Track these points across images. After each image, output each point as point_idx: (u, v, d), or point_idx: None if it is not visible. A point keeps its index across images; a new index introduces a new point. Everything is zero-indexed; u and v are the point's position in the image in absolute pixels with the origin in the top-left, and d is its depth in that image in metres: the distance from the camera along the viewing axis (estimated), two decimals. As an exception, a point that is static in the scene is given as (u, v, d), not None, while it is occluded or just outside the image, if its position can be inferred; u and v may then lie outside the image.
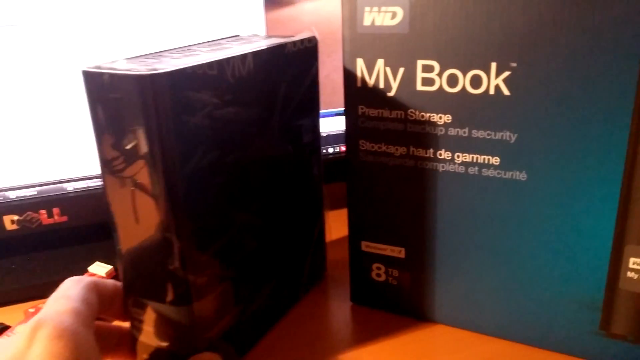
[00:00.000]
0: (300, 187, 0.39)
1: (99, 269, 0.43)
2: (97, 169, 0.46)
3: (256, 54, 0.32)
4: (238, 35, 0.39)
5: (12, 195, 0.45)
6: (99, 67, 0.27)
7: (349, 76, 0.34)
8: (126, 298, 0.31)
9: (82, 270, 0.44)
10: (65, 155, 0.45)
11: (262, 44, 0.34)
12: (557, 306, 0.34)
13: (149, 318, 0.31)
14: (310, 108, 0.39)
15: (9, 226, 0.45)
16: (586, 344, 0.33)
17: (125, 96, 0.26)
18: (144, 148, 0.27)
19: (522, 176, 0.32)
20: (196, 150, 0.29)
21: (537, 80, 0.29)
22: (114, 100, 0.27)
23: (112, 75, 0.26)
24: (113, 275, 0.43)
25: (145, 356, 0.32)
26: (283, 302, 0.40)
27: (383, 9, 0.32)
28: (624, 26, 0.27)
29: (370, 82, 0.34)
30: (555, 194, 0.31)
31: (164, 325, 0.31)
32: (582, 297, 0.33)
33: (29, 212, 0.45)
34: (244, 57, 0.31)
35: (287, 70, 0.35)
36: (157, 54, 0.31)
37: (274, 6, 0.46)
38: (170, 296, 0.30)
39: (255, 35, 0.39)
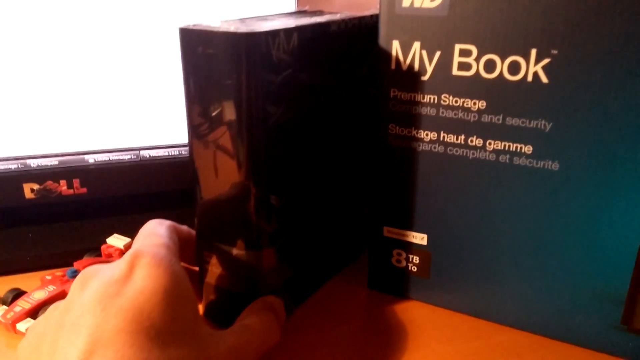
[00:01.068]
0: (356, 161, 0.42)
1: (117, 241, 0.43)
2: (119, 142, 0.46)
3: (332, 25, 0.35)
4: (305, 11, 0.42)
5: (33, 163, 0.45)
6: (197, 26, 0.30)
7: (384, 58, 0.34)
8: (199, 243, 0.34)
9: (100, 242, 0.44)
10: (89, 126, 0.45)
11: (334, 17, 0.36)
12: (579, 298, 0.33)
13: (219, 261, 0.34)
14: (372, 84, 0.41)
15: (28, 194, 0.45)
16: (606, 338, 0.33)
17: (221, 53, 0.29)
18: (229, 112, 0.30)
19: (554, 166, 0.32)
20: (278, 107, 0.31)
21: (577, 68, 0.29)
22: (208, 56, 0.29)
23: (210, 33, 0.29)
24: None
25: (211, 297, 0.35)
26: (334, 263, 0.42)
27: (424, -10, 0.32)
28: (669, 18, 0.27)
29: (405, 64, 0.34)
30: (586, 185, 0.31)
31: (233, 268, 0.34)
32: (606, 290, 0.33)
33: (49, 182, 0.45)
34: (326, 25, 0.34)
35: (356, 43, 0.38)
36: (238, 20, 0.34)
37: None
38: (243, 241, 0.33)
39: (320, 11, 0.41)
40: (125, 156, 0.47)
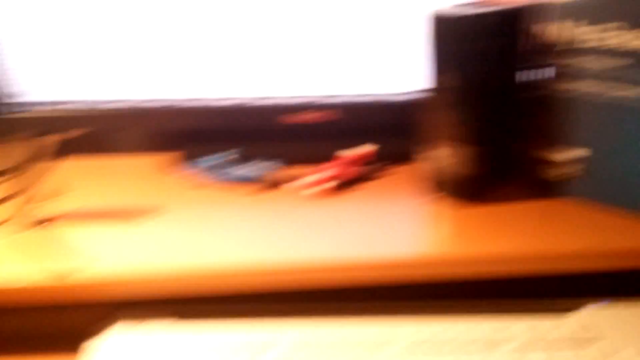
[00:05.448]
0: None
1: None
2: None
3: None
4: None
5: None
6: (448, 11, 0.43)
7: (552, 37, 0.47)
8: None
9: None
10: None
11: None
12: None
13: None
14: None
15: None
16: None
17: (485, 30, 0.44)
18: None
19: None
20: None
21: None
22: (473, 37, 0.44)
23: (464, 17, 0.43)
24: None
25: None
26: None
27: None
28: None
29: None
30: None
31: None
32: None
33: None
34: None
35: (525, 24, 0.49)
36: (458, 5, 0.47)
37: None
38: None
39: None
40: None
